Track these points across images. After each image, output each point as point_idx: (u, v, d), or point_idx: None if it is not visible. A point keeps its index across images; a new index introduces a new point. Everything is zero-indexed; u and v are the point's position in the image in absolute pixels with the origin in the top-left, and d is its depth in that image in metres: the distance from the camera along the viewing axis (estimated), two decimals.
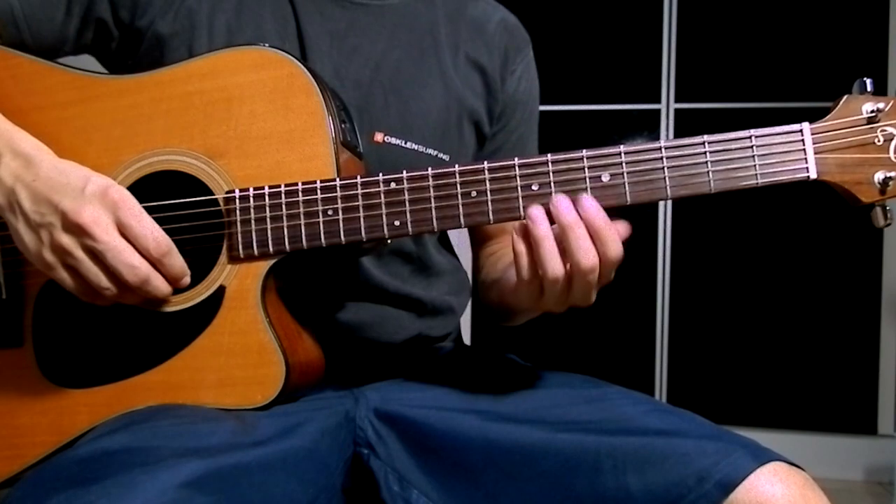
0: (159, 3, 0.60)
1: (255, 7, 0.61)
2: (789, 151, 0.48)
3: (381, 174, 0.51)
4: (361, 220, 0.51)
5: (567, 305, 0.50)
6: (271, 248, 0.52)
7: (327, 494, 0.54)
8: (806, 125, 0.49)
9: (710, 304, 1.96)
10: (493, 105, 0.69)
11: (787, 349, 1.92)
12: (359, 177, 0.52)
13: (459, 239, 0.78)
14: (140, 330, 0.53)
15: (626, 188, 0.49)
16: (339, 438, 0.58)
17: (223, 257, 0.53)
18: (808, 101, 1.87)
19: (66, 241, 0.48)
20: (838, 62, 1.87)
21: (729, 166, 0.48)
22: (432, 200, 0.51)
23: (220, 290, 0.53)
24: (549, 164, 0.49)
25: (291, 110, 0.53)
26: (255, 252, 0.52)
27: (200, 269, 0.53)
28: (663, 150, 0.49)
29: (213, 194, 0.53)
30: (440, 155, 0.64)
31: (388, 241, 0.56)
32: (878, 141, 0.48)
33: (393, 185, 0.51)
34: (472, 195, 0.50)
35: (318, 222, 0.52)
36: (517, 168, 0.50)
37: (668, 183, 0.48)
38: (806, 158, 0.48)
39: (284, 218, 0.52)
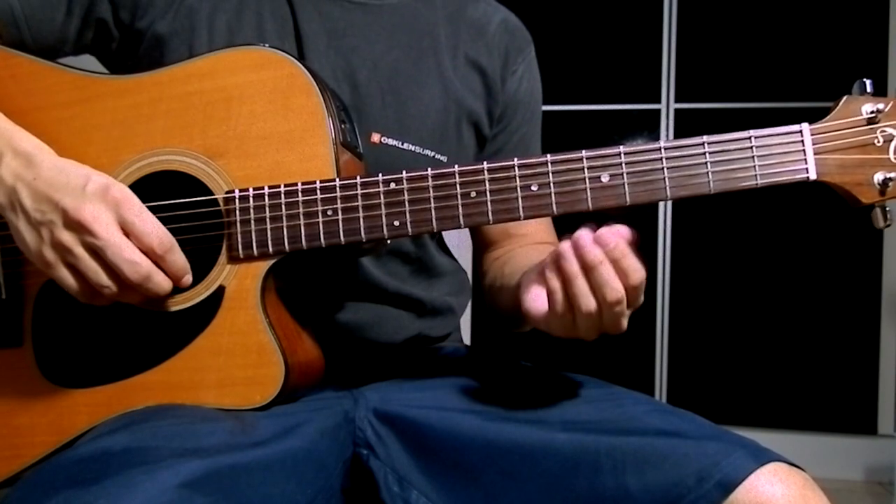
0: (160, 4, 0.60)
1: (255, 7, 0.61)
2: (789, 152, 0.48)
3: (380, 174, 0.51)
4: (361, 220, 0.51)
5: (599, 333, 0.51)
6: (271, 249, 0.52)
7: (326, 495, 0.54)
8: (805, 126, 0.49)
9: (709, 304, 1.96)
10: (493, 106, 0.69)
11: (787, 349, 1.92)
12: (358, 177, 0.52)
13: (459, 239, 0.78)
14: (139, 330, 0.53)
15: (626, 189, 0.49)
16: (339, 439, 0.58)
17: (223, 257, 0.53)
18: (808, 102, 1.87)
19: (67, 238, 0.48)
20: (838, 62, 1.87)
21: (728, 167, 0.48)
22: (432, 201, 0.51)
23: (220, 291, 0.53)
24: (549, 164, 0.49)
25: (291, 110, 0.53)
26: (255, 252, 0.52)
27: (200, 269, 0.53)
28: (663, 150, 0.49)
29: (213, 194, 0.53)
30: (438, 156, 0.64)
31: (388, 242, 0.56)
32: (878, 142, 0.48)
33: (392, 185, 0.51)
34: (472, 195, 0.50)
35: (318, 222, 0.52)
36: (517, 168, 0.50)
37: (667, 183, 0.48)
38: (805, 159, 0.48)
39: (284, 218, 0.52)
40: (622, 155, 0.49)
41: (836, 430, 1.89)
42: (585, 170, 0.49)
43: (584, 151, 0.49)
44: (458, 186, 0.50)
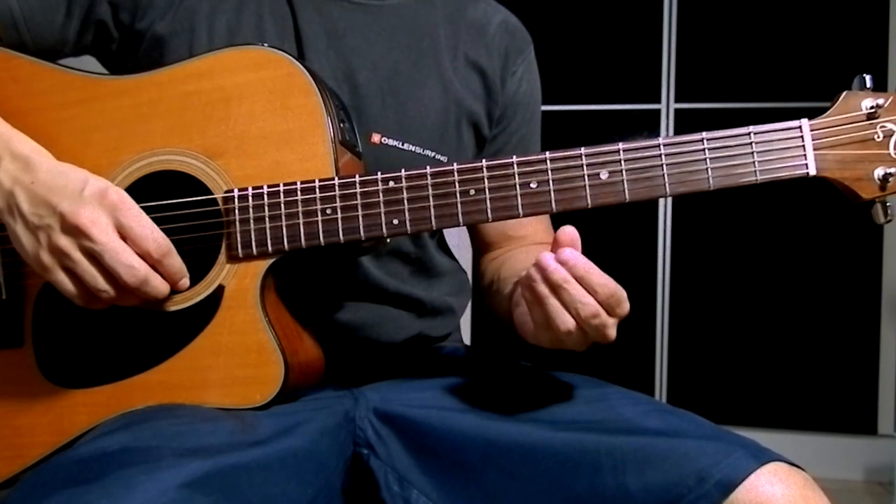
0: (160, 5, 0.60)
1: (254, 7, 0.61)
2: (788, 148, 0.48)
3: (379, 173, 0.51)
4: (360, 218, 0.51)
5: (588, 345, 0.51)
6: (270, 248, 0.52)
7: (327, 494, 0.54)
8: (805, 121, 0.48)
9: (709, 304, 1.95)
10: (493, 107, 0.69)
11: (787, 349, 1.92)
12: (357, 176, 0.52)
13: (460, 239, 0.78)
14: (139, 330, 0.53)
15: (625, 186, 0.49)
16: (339, 438, 0.58)
17: (222, 257, 0.53)
18: (808, 101, 1.87)
19: (64, 242, 0.48)
20: (838, 62, 1.87)
21: (728, 163, 0.48)
22: (431, 199, 0.51)
23: (219, 290, 0.53)
24: (548, 161, 0.49)
25: (290, 110, 0.53)
26: (254, 251, 0.52)
27: (199, 268, 0.53)
28: (662, 147, 0.49)
29: (212, 194, 0.53)
30: (438, 156, 0.64)
31: (388, 241, 0.56)
32: (878, 137, 0.48)
33: (391, 183, 0.51)
34: (471, 193, 0.50)
35: (317, 221, 0.52)
36: (515, 166, 0.50)
37: (666, 180, 0.48)
38: (805, 155, 0.48)
39: (283, 217, 0.52)
40: (621, 152, 0.49)
41: (836, 430, 1.89)
42: (584, 167, 0.49)
43: (582, 149, 0.49)
44: (457, 184, 0.50)
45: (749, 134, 0.48)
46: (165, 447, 0.44)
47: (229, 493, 0.43)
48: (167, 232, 0.51)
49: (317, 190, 0.52)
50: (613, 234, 1.89)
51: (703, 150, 0.48)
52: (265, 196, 0.52)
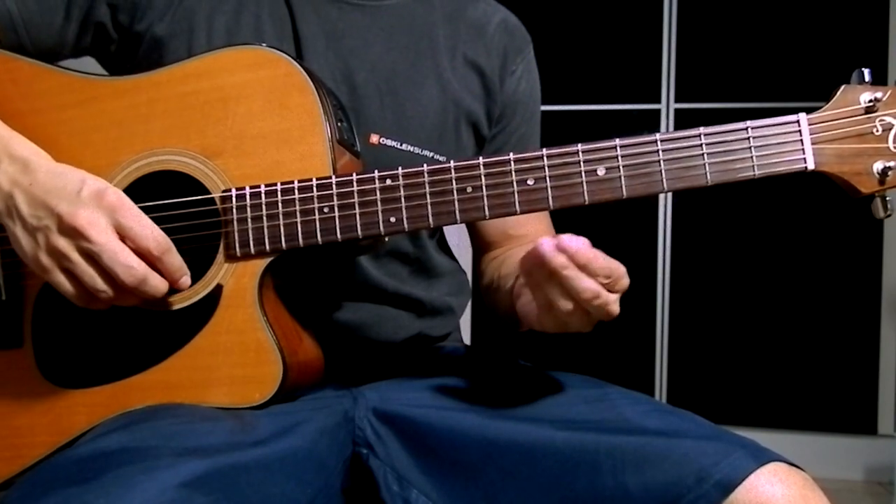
0: (158, 6, 0.60)
1: (253, 8, 0.62)
2: (786, 142, 0.48)
3: (376, 171, 0.51)
4: (357, 216, 0.51)
5: (593, 324, 0.51)
6: (268, 247, 0.52)
7: (326, 494, 0.53)
8: (803, 116, 0.48)
9: (710, 304, 1.95)
10: (492, 107, 0.69)
11: (787, 349, 1.91)
12: (354, 174, 0.52)
13: (460, 239, 0.78)
14: (138, 330, 0.53)
15: (622, 182, 0.49)
16: (338, 438, 0.58)
17: (220, 256, 0.53)
18: (808, 101, 1.86)
19: (63, 243, 0.49)
20: (839, 62, 1.86)
21: (725, 158, 0.48)
22: (428, 196, 0.51)
23: (218, 289, 0.53)
24: (545, 158, 0.49)
25: (288, 109, 0.53)
26: (252, 250, 0.52)
27: (198, 268, 0.53)
28: (659, 142, 0.48)
29: (210, 194, 0.53)
30: (436, 156, 0.64)
31: (386, 239, 0.56)
32: (877, 131, 0.47)
33: (389, 181, 0.51)
34: (468, 191, 0.50)
35: (314, 220, 0.52)
36: (512, 163, 0.50)
37: (664, 175, 0.48)
38: (803, 149, 0.48)
39: (281, 216, 0.52)
40: (618, 148, 0.48)
41: (836, 430, 1.88)
42: (581, 163, 0.49)
43: (579, 145, 0.49)
44: (454, 182, 0.50)
45: (747, 129, 0.48)
46: (164, 447, 0.44)
47: (228, 492, 0.43)
48: (166, 231, 0.51)
49: (314, 189, 0.52)
50: (613, 234, 1.88)
51: (701, 145, 0.48)
52: (263, 195, 0.52)
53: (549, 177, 0.49)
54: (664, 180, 0.48)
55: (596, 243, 0.47)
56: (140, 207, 0.50)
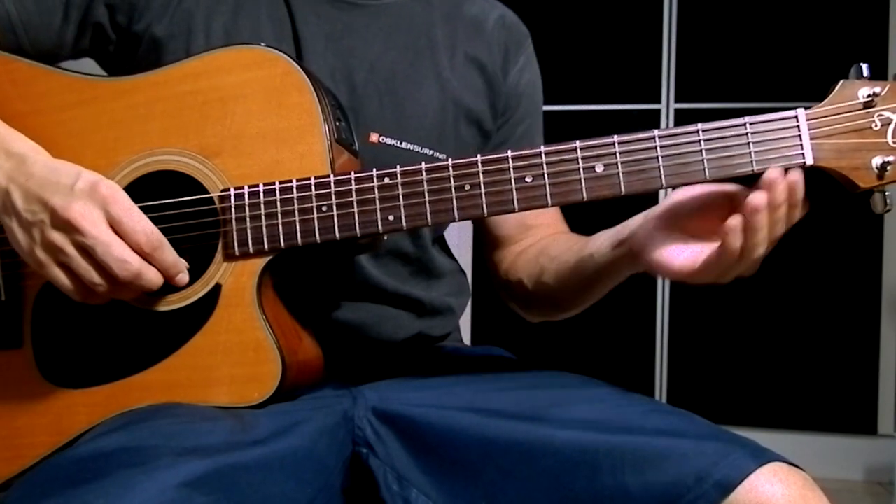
0: (156, 7, 0.60)
1: (251, 9, 0.62)
2: (785, 138, 0.48)
3: (374, 170, 0.51)
4: (356, 215, 0.51)
5: (734, 277, 0.51)
6: (266, 245, 0.52)
7: (326, 494, 0.53)
8: (801, 111, 0.48)
9: (710, 304, 1.94)
10: (496, 100, 0.69)
11: (787, 349, 1.91)
12: (352, 172, 0.52)
13: (460, 239, 0.78)
14: (137, 329, 0.53)
15: (621, 178, 0.48)
16: (338, 438, 0.58)
17: (219, 255, 0.53)
18: (809, 101, 1.85)
19: (57, 237, 0.48)
20: (839, 62, 1.86)
21: (724, 154, 0.48)
22: (426, 194, 0.51)
23: (217, 289, 0.53)
24: (543, 155, 0.49)
25: (286, 108, 0.53)
26: (251, 249, 0.52)
27: (197, 267, 0.53)
28: (657, 139, 0.48)
29: (209, 193, 0.53)
30: (436, 155, 0.64)
31: (385, 238, 0.56)
32: (876, 125, 0.47)
33: (387, 179, 0.51)
34: (466, 188, 0.50)
35: (313, 218, 0.52)
36: (510, 160, 0.50)
37: (662, 172, 0.48)
38: (802, 144, 0.48)
39: (279, 215, 0.52)
40: (616, 144, 0.48)
41: (836, 430, 1.87)
42: (579, 160, 0.49)
43: (577, 142, 0.49)
44: (451, 180, 0.50)
45: (745, 124, 0.48)
46: (164, 447, 0.44)
47: (228, 492, 0.43)
48: (164, 231, 0.51)
49: (312, 188, 0.52)
50: None
51: (699, 141, 0.48)
52: (261, 195, 0.52)
53: (548, 174, 0.49)
54: (662, 176, 0.48)
55: None
56: (139, 207, 0.50)
